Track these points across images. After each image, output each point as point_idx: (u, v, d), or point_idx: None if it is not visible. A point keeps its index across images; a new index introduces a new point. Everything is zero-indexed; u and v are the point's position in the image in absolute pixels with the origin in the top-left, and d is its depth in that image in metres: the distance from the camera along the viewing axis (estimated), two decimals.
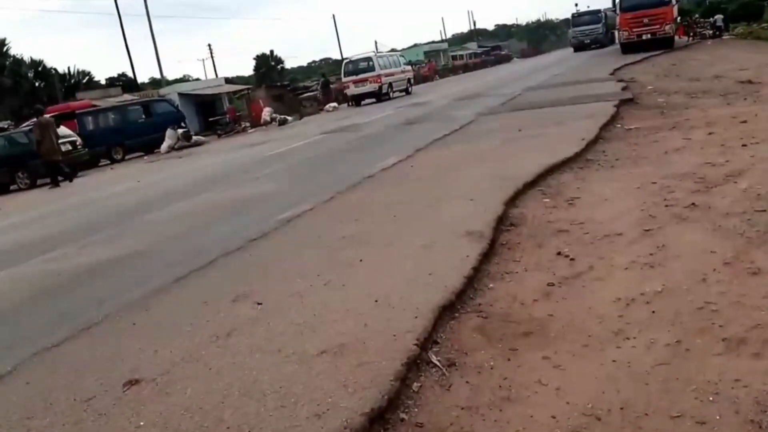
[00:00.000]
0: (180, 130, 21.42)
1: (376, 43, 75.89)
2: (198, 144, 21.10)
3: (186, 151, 19.74)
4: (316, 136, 14.91)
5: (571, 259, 3.99)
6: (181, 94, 29.81)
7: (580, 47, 42.39)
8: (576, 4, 55.70)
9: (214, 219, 6.83)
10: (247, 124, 25.38)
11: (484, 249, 4.20)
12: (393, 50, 38.05)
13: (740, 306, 3.02)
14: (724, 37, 32.65)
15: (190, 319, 3.73)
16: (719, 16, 37.48)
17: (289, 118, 24.58)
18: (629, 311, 3.14)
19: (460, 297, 3.51)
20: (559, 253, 4.12)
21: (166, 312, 4.02)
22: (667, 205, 4.78)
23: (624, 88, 12.67)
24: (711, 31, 34.69)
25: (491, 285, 3.74)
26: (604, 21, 42.92)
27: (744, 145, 6.40)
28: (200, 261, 4.94)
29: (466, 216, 5.02)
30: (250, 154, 13.49)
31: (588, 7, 46.03)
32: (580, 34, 43.15)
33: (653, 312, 3.09)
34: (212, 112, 30.02)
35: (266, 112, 25.08)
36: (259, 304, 3.72)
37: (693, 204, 4.67)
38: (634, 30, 26.85)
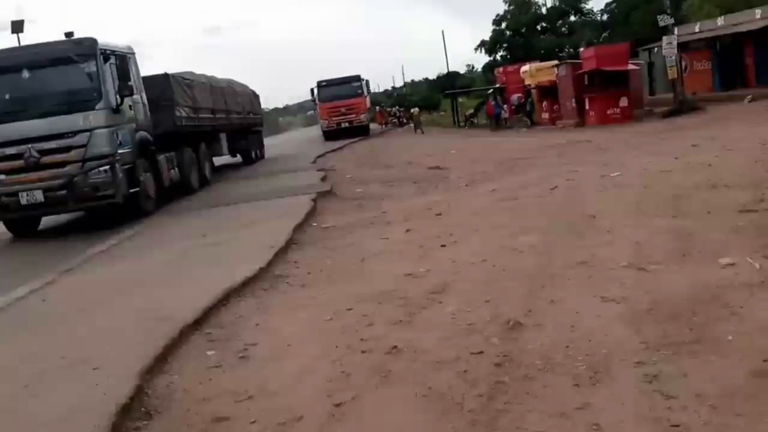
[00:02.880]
0: None
1: None
2: None
3: None
4: None
5: None
6: None
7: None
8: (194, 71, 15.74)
9: None
10: None
11: None
12: None
13: None
14: (411, 125, 36.50)
15: None
16: (396, 108, 43.02)
17: None
18: None
19: None
20: None
21: None
22: (364, 351, 3.62)
23: (323, 178, 12.14)
24: (397, 120, 39.05)
25: None
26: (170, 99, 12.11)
27: (443, 245, 5.82)
28: None
29: (69, 413, 3.11)
30: None
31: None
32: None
33: None
34: None
35: None
36: None
37: (395, 347, 3.59)
38: (334, 119, 28.39)
